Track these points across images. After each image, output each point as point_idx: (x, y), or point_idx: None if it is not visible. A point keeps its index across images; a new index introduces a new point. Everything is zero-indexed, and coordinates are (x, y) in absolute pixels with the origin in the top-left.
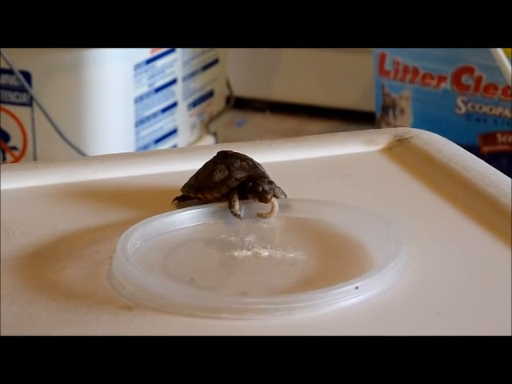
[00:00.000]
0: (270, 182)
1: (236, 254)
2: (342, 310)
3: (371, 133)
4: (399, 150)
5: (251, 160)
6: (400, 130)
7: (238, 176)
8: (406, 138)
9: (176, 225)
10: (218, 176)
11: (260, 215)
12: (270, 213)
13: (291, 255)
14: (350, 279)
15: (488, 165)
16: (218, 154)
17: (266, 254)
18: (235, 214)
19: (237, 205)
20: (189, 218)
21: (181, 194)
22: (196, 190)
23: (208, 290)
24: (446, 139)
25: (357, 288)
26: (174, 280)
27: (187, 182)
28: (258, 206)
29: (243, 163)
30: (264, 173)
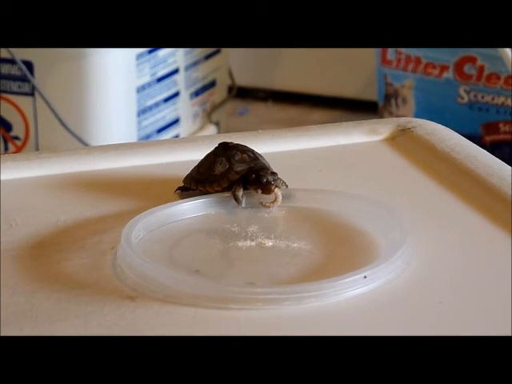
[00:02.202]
0: (273, 173)
1: (240, 244)
2: (350, 299)
3: (374, 123)
4: (402, 140)
5: (252, 152)
6: (403, 120)
7: (239, 169)
8: (409, 128)
9: (178, 216)
10: (219, 169)
11: (263, 204)
12: (273, 202)
13: (295, 245)
14: (357, 268)
15: (490, 155)
16: (219, 145)
17: (270, 244)
18: (236, 199)
19: (240, 191)
20: (190, 208)
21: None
22: (197, 183)
23: (216, 281)
24: (448, 129)
25: (365, 277)
26: (180, 271)
27: (189, 174)
28: (259, 197)
29: (244, 155)
30: (265, 164)
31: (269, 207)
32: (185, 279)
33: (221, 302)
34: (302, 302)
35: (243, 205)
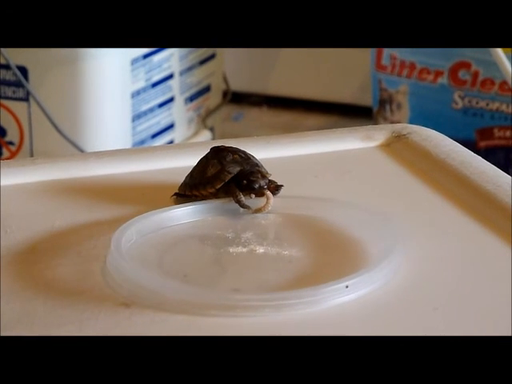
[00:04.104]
0: (264, 177)
1: (231, 250)
2: (334, 307)
3: (369, 129)
4: (397, 146)
5: (243, 152)
6: (398, 126)
7: (231, 169)
8: (404, 134)
9: (173, 221)
10: (211, 171)
11: (257, 211)
12: (265, 206)
13: (286, 252)
14: (344, 276)
15: (486, 161)
16: (211, 149)
17: (262, 250)
18: (244, 206)
19: (242, 197)
20: (186, 213)
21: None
22: (191, 188)
23: (198, 287)
24: (443, 135)
25: (347, 287)
26: (168, 276)
27: (183, 181)
28: (253, 202)
29: (235, 156)
30: (257, 164)
31: (262, 211)
32: (167, 284)
33: (203, 309)
34: (283, 310)
35: (241, 210)
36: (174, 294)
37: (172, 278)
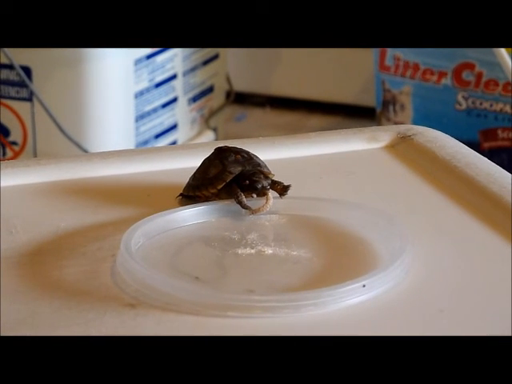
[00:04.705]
0: (267, 178)
1: (239, 251)
2: (349, 308)
3: (374, 130)
4: (402, 148)
5: (246, 152)
6: (403, 127)
7: (232, 169)
8: (409, 136)
9: (178, 223)
10: (213, 171)
11: (255, 211)
12: (263, 206)
13: (295, 253)
14: (356, 277)
15: (491, 162)
16: (214, 150)
17: (270, 251)
18: (245, 207)
19: (244, 198)
20: (191, 215)
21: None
22: (194, 189)
23: (215, 288)
24: (449, 136)
25: (364, 286)
26: (179, 278)
27: (187, 182)
28: (255, 203)
29: (237, 156)
30: (259, 164)
31: (258, 212)
32: (184, 286)
33: (220, 310)
34: (301, 310)
35: (243, 212)
36: (191, 295)
37: (184, 279)
